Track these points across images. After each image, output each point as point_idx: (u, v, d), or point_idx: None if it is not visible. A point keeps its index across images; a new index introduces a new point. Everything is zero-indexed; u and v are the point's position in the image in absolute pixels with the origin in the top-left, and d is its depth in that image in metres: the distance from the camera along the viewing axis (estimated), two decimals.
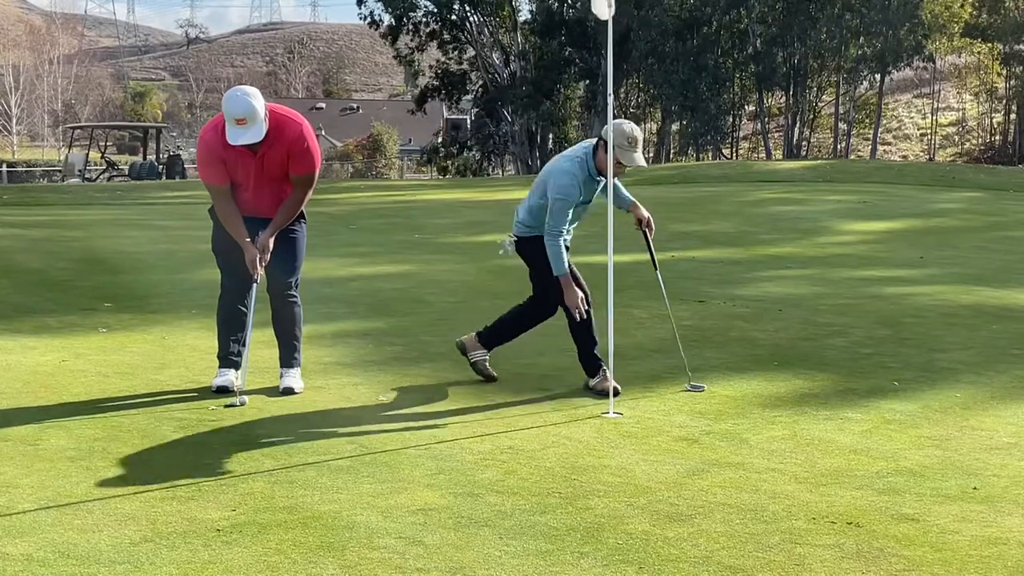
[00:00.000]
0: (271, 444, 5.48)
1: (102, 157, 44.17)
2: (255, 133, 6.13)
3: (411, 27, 50.82)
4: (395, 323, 8.87)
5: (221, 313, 6.68)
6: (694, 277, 11.42)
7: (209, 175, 6.41)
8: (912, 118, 72.39)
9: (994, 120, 66.24)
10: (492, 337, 6.92)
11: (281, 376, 6.63)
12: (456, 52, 52.66)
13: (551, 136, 52.48)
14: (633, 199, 6.80)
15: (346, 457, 5.29)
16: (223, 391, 6.43)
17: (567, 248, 6.55)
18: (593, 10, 6.39)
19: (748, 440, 5.72)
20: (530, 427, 5.92)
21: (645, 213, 6.76)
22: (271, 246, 6.40)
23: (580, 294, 6.51)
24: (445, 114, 65.08)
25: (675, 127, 57.21)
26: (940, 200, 21.05)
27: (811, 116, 54.77)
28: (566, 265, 6.48)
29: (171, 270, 11.49)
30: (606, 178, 6.44)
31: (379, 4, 50.67)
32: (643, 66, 50.83)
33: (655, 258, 6.96)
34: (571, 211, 6.48)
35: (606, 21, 6.36)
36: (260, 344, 6.82)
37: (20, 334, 8.10)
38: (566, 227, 6.51)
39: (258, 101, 6.13)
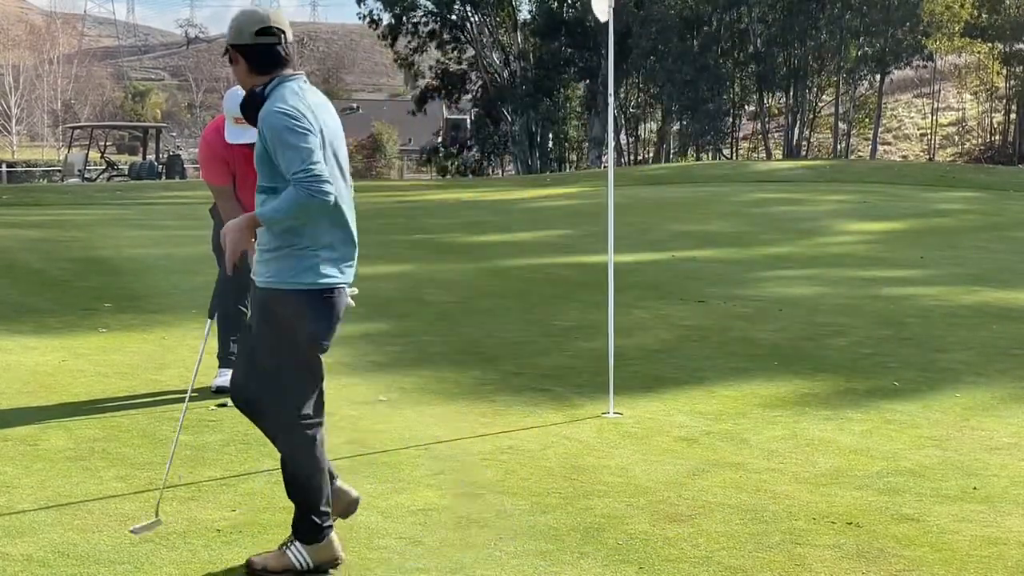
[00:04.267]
0: (271, 444, 5.47)
1: (102, 157, 44.13)
2: (255, 132, 6.12)
3: (410, 27, 50.87)
4: (395, 323, 8.86)
5: (221, 313, 6.67)
6: (694, 277, 11.42)
7: (211, 174, 6.40)
8: (912, 118, 72.32)
9: (994, 120, 66.15)
10: None
11: None
12: (456, 52, 52.73)
13: (551, 136, 52.54)
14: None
15: (346, 457, 5.29)
16: (223, 391, 6.42)
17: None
18: (593, 10, 6.37)
19: (748, 440, 5.72)
20: (530, 427, 5.91)
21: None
22: None
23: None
24: (445, 114, 65.10)
25: (675, 127, 57.20)
26: (940, 200, 21.03)
27: (811, 116, 54.71)
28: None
29: (171, 270, 11.48)
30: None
31: (379, 3, 50.71)
32: (644, 65, 50.83)
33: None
34: None
35: (606, 22, 6.35)
36: None
37: (20, 334, 8.10)
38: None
39: None
